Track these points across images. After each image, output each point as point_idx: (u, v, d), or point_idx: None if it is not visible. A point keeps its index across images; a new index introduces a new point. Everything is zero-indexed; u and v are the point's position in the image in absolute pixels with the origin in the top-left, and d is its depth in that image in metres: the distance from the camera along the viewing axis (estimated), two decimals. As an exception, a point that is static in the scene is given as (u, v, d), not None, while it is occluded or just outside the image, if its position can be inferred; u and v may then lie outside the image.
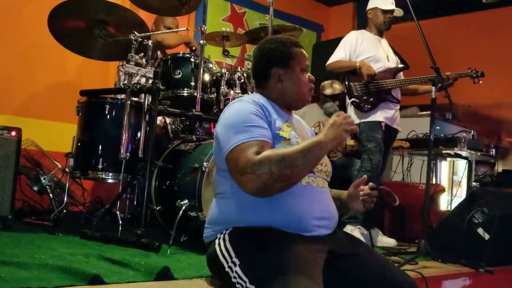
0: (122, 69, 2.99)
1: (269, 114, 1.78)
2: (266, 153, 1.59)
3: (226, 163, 1.69)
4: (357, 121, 3.85)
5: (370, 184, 1.92)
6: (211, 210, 1.86)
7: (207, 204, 2.79)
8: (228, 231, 1.73)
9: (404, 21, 4.06)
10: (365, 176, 1.93)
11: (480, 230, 3.26)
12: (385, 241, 3.95)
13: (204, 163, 2.84)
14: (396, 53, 4.14)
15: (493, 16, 6.01)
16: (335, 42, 5.92)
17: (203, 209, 2.78)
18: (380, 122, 3.84)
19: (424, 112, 5.89)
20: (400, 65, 4.08)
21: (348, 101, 3.90)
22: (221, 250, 1.68)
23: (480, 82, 3.86)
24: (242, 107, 1.76)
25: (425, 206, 3.17)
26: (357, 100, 3.83)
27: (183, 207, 2.81)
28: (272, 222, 1.67)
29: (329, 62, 4.02)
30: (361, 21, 6.99)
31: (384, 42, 4.10)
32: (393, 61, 4.04)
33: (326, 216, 1.77)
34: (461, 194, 6.27)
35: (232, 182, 1.72)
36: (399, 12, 4.03)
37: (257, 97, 1.86)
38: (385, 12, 4.01)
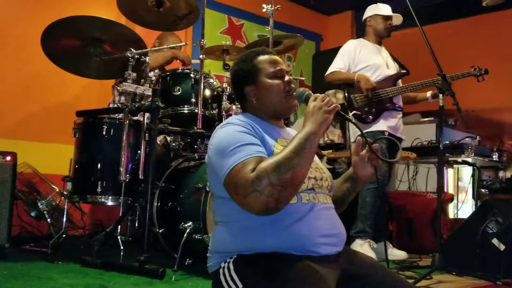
0: (119, 88, 2.89)
1: (259, 131, 1.70)
2: (261, 165, 1.51)
3: (226, 190, 1.60)
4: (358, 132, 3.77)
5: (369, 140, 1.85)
6: (213, 238, 1.77)
7: (212, 226, 2.69)
8: (232, 259, 1.64)
9: (404, 27, 4.00)
10: (360, 138, 1.85)
11: (495, 241, 3.16)
12: (395, 254, 3.84)
13: (208, 183, 2.73)
14: (395, 60, 4.07)
15: (493, 19, 5.96)
16: (335, 51, 5.84)
17: (208, 232, 2.67)
18: (383, 132, 3.76)
19: (426, 119, 5.82)
20: (401, 71, 4.01)
21: (350, 114, 3.81)
22: (226, 280, 1.60)
23: (485, 79, 3.77)
24: (230, 130, 1.68)
25: (438, 219, 3.07)
26: (359, 113, 3.77)
27: (188, 230, 2.71)
28: (276, 246, 1.58)
29: (327, 72, 3.97)
30: (360, 29, 6.91)
31: (383, 50, 4.04)
32: (392, 69, 3.98)
33: (332, 233, 1.67)
34: (467, 200, 6.19)
35: (229, 209, 1.64)
36: (398, 19, 4.00)
37: (243, 117, 1.79)
38: (386, 18, 3.96)
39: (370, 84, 3.73)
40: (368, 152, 1.85)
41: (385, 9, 3.98)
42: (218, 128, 1.74)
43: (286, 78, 1.80)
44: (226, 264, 1.63)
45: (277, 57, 1.83)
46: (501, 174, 5.95)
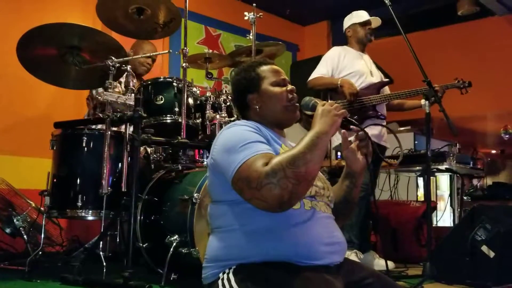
0: (100, 97, 2.78)
1: (265, 135, 1.70)
2: (275, 159, 1.50)
3: (234, 187, 1.56)
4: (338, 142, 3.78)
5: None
6: (210, 247, 1.70)
7: (200, 239, 2.61)
8: (232, 270, 1.57)
9: (383, 36, 4.00)
10: (344, 131, 1.83)
11: (484, 248, 3.13)
12: (382, 264, 3.79)
13: (195, 194, 2.67)
14: (379, 68, 4.05)
15: (468, 28, 6.05)
16: (312, 61, 5.87)
17: (196, 244, 2.58)
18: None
19: (404, 128, 5.85)
20: (385, 80, 3.98)
21: None
22: None
23: (468, 92, 3.77)
24: (238, 129, 1.68)
25: (429, 227, 3.04)
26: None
27: (174, 243, 2.61)
28: (280, 253, 1.54)
29: (310, 78, 3.92)
30: (336, 39, 6.98)
31: (366, 57, 4.02)
32: (376, 76, 3.95)
33: (335, 241, 1.65)
34: (446, 209, 6.24)
35: (232, 213, 1.60)
36: (376, 22, 3.98)
37: (249, 122, 1.76)
38: (363, 25, 3.94)
39: (353, 89, 3.69)
40: (356, 141, 1.85)
41: (360, 16, 3.96)
42: (223, 129, 1.73)
43: (289, 87, 1.81)
44: (226, 275, 1.57)
45: (279, 68, 1.86)
46: (475, 181, 6.02)
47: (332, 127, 1.61)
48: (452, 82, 3.79)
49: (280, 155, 1.53)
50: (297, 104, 1.81)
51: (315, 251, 1.57)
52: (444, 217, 6.07)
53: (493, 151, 9.09)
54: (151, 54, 3.40)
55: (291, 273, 1.50)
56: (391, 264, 3.79)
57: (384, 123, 3.95)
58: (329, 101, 1.67)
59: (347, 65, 3.87)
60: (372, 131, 3.77)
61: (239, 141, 1.59)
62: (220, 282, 1.57)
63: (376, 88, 3.84)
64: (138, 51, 3.90)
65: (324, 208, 1.70)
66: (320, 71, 3.89)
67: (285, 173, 1.46)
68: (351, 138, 1.86)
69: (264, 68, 1.83)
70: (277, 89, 1.79)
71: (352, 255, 3.56)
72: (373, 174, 3.94)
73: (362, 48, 4.00)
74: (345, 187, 1.90)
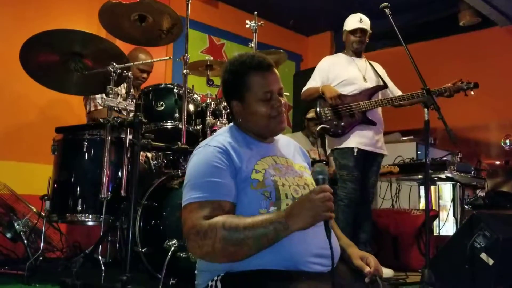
0: (100, 103, 2.81)
1: (238, 155, 1.62)
2: (216, 220, 1.46)
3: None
4: (330, 149, 3.80)
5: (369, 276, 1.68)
6: None
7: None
8: (219, 277, 1.57)
9: (386, 47, 3.99)
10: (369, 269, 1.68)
11: (483, 255, 3.11)
12: (384, 271, 3.77)
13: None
14: (378, 74, 3.98)
15: (470, 39, 6.06)
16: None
17: (193, 249, 2.58)
18: (352, 148, 3.70)
19: (406, 138, 5.84)
20: (377, 85, 3.90)
21: (318, 127, 3.77)
22: None
23: (472, 93, 3.64)
24: (202, 159, 1.61)
25: (427, 235, 3.02)
26: (327, 126, 3.72)
27: (172, 248, 2.61)
28: (265, 263, 1.51)
29: (302, 91, 3.96)
30: (339, 49, 6.98)
31: (361, 62, 3.97)
32: (371, 82, 3.89)
33: (324, 254, 1.56)
34: (448, 218, 6.20)
35: None
36: (366, 26, 3.91)
37: (227, 134, 1.72)
38: (352, 32, 3.92)
39: (333, 93, 3.69)
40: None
41: (350, 23, 3.94)
42: (196, 149, 1.69)
43: (275, 101, 1.70)
44: (214, 283, 1.57)
45: (271, 74, 1.73)
46: (478, 192, 6.00)
47: (307, 225, 1.45)
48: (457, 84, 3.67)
49: (225, 218, 1.46)
50: (283, 116, 1.71)
51: (304, 263, 1.54)
52: (447, 227, 6.04)
53: (497, 162, 9.05)
54: (151, 60, 3.43)
55: (278, 282, 1.47)
56: (391, 272, 3.79)
57: (379, 129, 3.87)
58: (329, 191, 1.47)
59: (338, 73, 3.86)
60: (361, 138, 3.75)
61: (199, 175, 1.57)
62: None
63: (368, 94, 3.82)
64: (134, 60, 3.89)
65: None
66: (310, 83, 3.93)
67: (213, 242, 1.43)
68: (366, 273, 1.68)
69: (254, 77, 1.70)
70: (261, 108, 1.68)
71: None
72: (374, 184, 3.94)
73: (356, 54, 3.98)
74: (342, 252, 1.77)
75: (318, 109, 3.77)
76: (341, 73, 3.87)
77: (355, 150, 3.69)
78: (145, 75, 4.11)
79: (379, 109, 3.90)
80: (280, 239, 1.46)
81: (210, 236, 1.43)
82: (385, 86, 3.90)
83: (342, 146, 3.73)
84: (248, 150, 1.68)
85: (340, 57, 4.00)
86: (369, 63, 4.02)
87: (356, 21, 3.92)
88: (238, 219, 1.47)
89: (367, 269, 1.67)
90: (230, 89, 1.77)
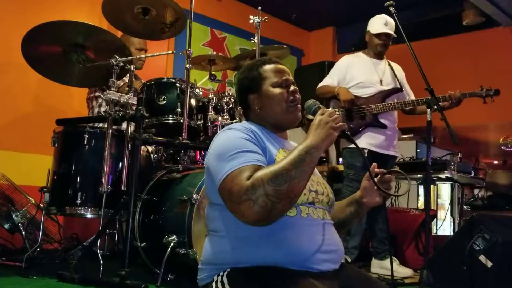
0: (102, 96, 2.78)
1: (261, 140, 1.66)
2: (257, 174, 1.45)
3: (220, 196, 1.54)
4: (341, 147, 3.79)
5: (381, 170, 1.78)
6: (205, 249, 1.69)
7: (197, 240, 2.61)
8: (226, 273, 1.56)
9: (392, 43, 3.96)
10: (375, 163, 1.78)
11: (482, 258, 3.11)
12: (402, 271, 3.80)
13: (194, 195, 2.67)
14: (395, 77, 3.93)
15: (473, 38, 6.05)
16: (316, 66, 5.89)
17: (193, 245, 2.57)
18: (362, 149, 3.68)
19: (406, 136, 5.84)
20: (391, 88, 3.88)
21: None
22: None
23: (493, 100, 3.54)
24: (232, 134, 1.64)
25: (426, 235, 3.02)
26: None
27: (172, 243, 2.61)
28: (274, 260, 1.51)
29: (317, 87, 3.96)
30: (341, 45, 6.99)
31: (380, 65, 3.93)
32: (388, 85, 3.87)
33: (331, 249, 1.60)
34: (446, 218, 6.22)
35: (226, 217, 1.56)
36: (391, 30, 3.85)
37: (247, 124, 1.74)
38: (376, 36, 3.87)
39: (348, 96, 3.69)
40: (377, 181, 1.76)
41: (375, 25, 3.88)
42: (220, 132, 1.69)
43: (292, 88, 1.75)
44: (220, 278, 1.56)
45: (283, 67, 1.81)
46: (476, 191, 6.00)
47: (325, 141, 1.53)
48: (475, 90, 3.60)
49: (264, 169, 1.48)
50: (299, 106, 1.76)
51: (311, 260, 1.54)
52: (444, 226, 6.06)
53: (495, 162, 9.08)
54: (155, 54, 3.39)
55: (286, 279, 1.47)
56: (409, 272, 3.78)
57: (392, 132, 3.87)
58: (331, 109, 1.59)
59: (355, 75, 3.84)
60: (372, 140, 3.77)
61: (229, 149, 1.55)
62: (214, 284, 1.56)
63: (381, 96, 3.80)
64: (129, 47, 3.84)
65: (322, 214, 1.66)
66: (326, 80, 3.94)
67: (265, 190, 1.41)
68: (378, 170, 1.78)
69: (267, 67, 1.78)
70: (277, 91, 1.74)
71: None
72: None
73: (378, 55, 3.93)
74: (348, 212, 1.86)
75: (330, 109, 3.76)
76: (358, 75, 3.84)
77: (365, 151, 3.70)
78: (142, 52, 4.01)
79: (395, 112, 3.89)
80: (316, 161, 1.51)
81: (259, 185, 1.42)
82: (399, 89, 3.88)
83: (352, 146, 3.73)
84: (268, 139, 1.70)
85: (360, 58, 3.95)
86: (390, 65, 3.97)
87: (381, 24, 3.85)
88: (273, 165, 1.49)
89: (375, 169, 1.77)
90: (245, 86, 1.81)
